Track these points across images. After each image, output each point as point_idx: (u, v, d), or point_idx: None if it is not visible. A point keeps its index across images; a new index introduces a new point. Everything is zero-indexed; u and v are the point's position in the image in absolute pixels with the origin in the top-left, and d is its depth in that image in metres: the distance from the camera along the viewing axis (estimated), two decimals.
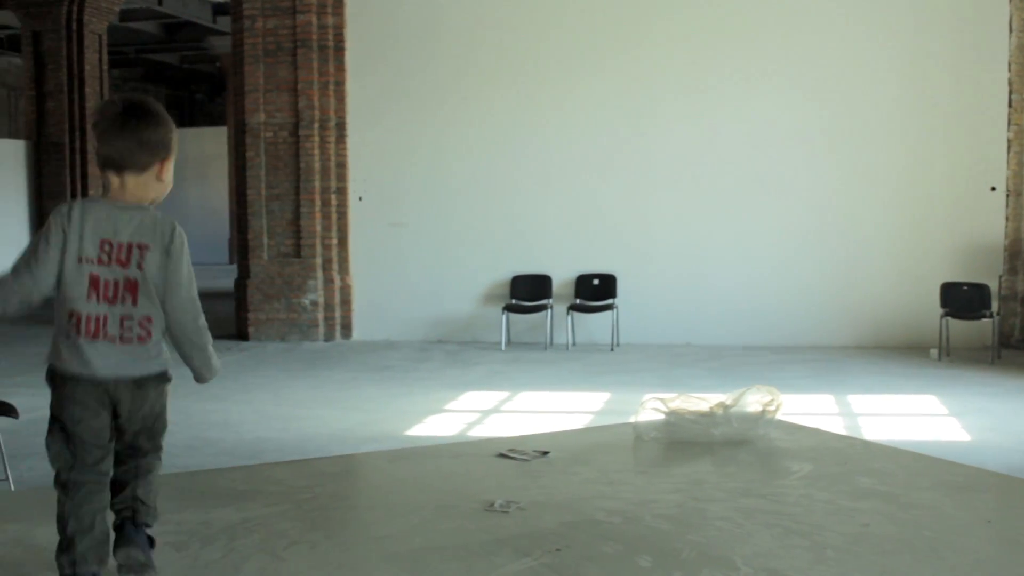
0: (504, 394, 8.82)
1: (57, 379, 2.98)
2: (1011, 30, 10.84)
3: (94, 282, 2.85)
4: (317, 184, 12.14)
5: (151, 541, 3.00)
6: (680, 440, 4.51)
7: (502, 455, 4.35)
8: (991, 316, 10.44)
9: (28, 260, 2.90)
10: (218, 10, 22.54)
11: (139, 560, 2.91)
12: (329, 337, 12.19)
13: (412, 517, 3.53)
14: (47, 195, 19.14)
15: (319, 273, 12.18)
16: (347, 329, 12.32)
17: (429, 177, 12.12)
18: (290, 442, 6.97)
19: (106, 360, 2.88)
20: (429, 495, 3.80)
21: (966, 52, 11.03)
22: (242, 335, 12.28)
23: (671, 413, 4.65)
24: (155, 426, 3.01)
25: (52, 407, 3.01)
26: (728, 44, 11.50)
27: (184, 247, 2.94)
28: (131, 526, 2.96)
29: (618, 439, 4.73)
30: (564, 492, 3.81)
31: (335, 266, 12.25)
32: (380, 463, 4.65)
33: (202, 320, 3.06)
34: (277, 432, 7.34)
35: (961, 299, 10.65)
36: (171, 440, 7.15)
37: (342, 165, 12.25)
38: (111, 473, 2.97)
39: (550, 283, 11.76)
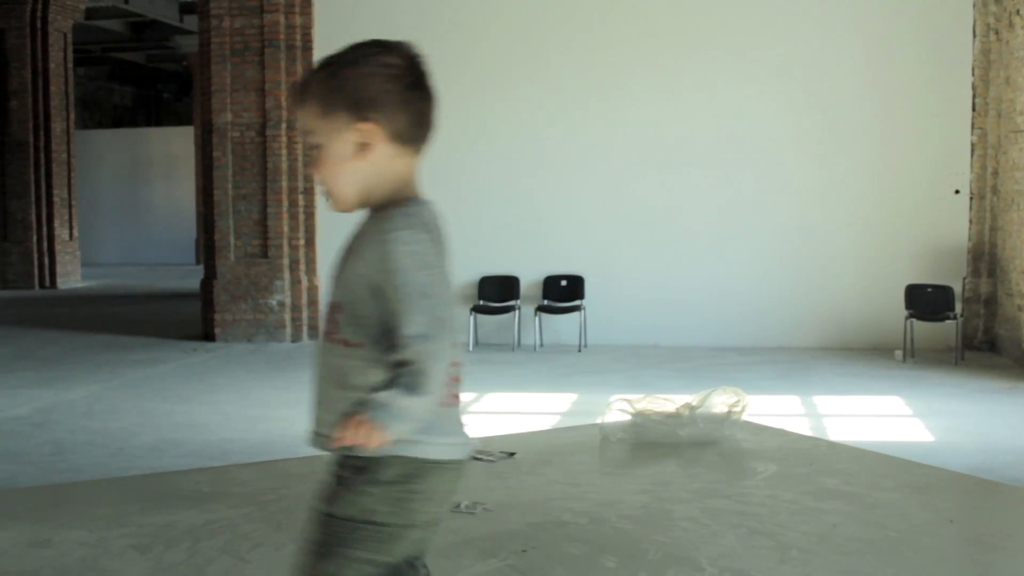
0: (471, 395, 8.80)
1: (417, 468, 2.02)
2: (975, 35, 10.94)
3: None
4: (284, 184, 12.08)
5: None
6: (646, 441, 4.53)
7: None
8: (955, 318, 10.53)
9: (440, 312, 2.02)
10: (185, 9, 22.41)
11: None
12: (296, 338, 12.13)
13: None
14: (11, 195, 18.94)
15: (286, 274, 12.12)
16: (314, 330, 12.26)
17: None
18: (256, 443, 6.93)
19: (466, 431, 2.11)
20: None
21: (930, 56, 11.12)
22: (208, 336, 12.20)
23: (638, 414, 4.66)
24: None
25: (393, 505, 2.03)
26: (696, 48, 11.54)
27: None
28: None
29: (585, 440, 4.74)
30: (530, 493, 3.81)
31: (302, 267, 12.20)
32: None
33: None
34: (243, 433, 7.29)
35: (925, 301, 10.74)
36: (135, 442, 7.10)
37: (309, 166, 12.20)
38: None
39: (518, 284, 11.76)
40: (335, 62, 2.10)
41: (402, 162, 2.12)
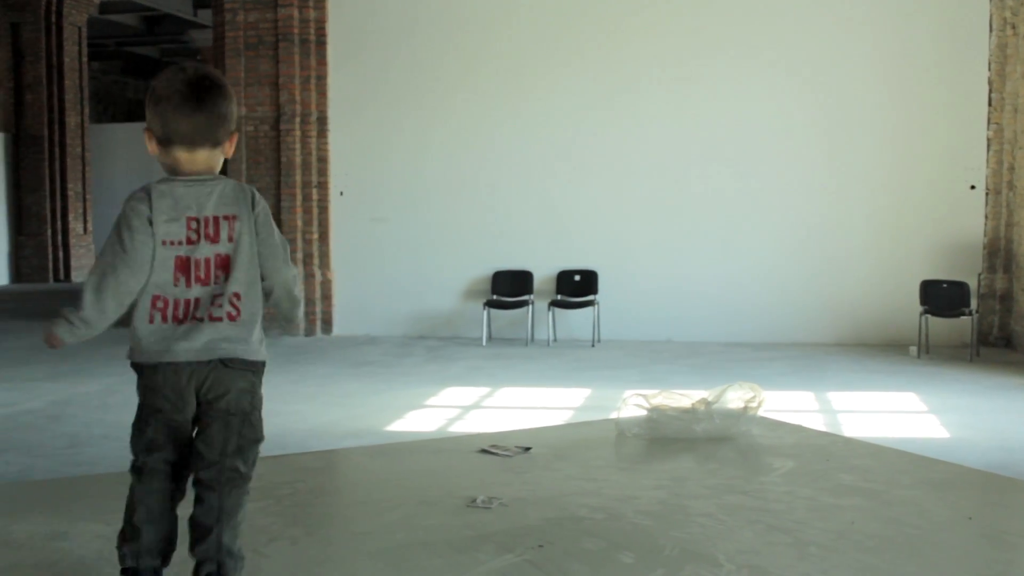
0: (485, 390, 8.80)
1: (140, 368, 2.78)
2: (991, 29, 10.88)
3: (181, 265, 2.68)
4: (298, 179, 12.09)
5: None
6: (662, 436, 4.52)
7: (484, 451, 4.34)
8: (970, 314, 10.49)
9: (115, 257, 2.67)
10: (199, 3, 22.42)
11: None
12: (310, 332, 12.14)
13: (394, 513, 3.51)
14: (25, 188, 19.01)
15: (300, 268, 12.12)
16: (328, 324, 12.28)
17: (411, 172, 12.09)
18: (270, 437, 6.89)
19: (191, 343, 2.68)
20: (411, 491, 3.78)
21: (947, 51, 11.07)
22: None
23: (653, 409, 4.65)
24: (244, 432, 2.77)
25: (139, 395, 2.82)
26: (710, 41, 11.51)
27: (268, 210, 2.81)
28: None
29: (600, 435, 4.73)
30: (546, 488, 3.80)
31: (316, 261, 12.20)
32: (361, 459, 4.63)
33: (298, 288, 2.95)
34: None
35: (941, 297, 10.69)
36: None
37: (323, 160, 12.21)
38: (184, 466, 2.80)
39: (531, 279, 11.75)
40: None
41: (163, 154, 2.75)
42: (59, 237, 19.21)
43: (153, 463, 2.76)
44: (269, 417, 7.51)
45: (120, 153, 27.54)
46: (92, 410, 7.89)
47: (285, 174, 12.06)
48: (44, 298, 16.50)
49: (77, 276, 19.39)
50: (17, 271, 19.07)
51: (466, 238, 12.00)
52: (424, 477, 3.97)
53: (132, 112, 31.31)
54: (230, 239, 2.71)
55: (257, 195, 2.79)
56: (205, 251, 2.69)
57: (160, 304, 2.69)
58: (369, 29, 12.14)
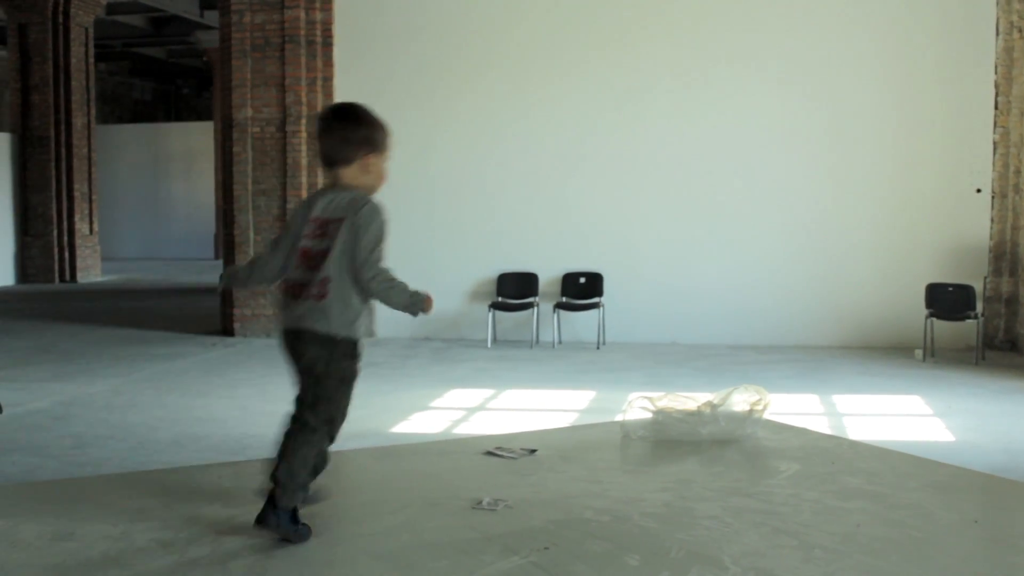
0: (490, 392, 8.80)
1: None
2: (998, 32, 10.88)
3: (302, 253, 3.41)
4: (304, 180, 12.10)
5: (295, 519, 3.26)
6: (667, 439, 4.52)
7: (489, 453, 4.34)
8: (975, 317, 10.47)
9: (271, 244, 3.61)
10: (206, 4, 22.46)
11: (276, 539, 3.22)
12: None
13: (399, 515, 3.52)
14: (32, 188, 19.04)
15: None
16: None
17: (416, 173, 12.09)
18: (275, 438, 6.94)
19: (289, 315, 3.42)
20: (416, 493, 3.79)
21: (953, 54, 11.07)
22: (228, 331, 12.24)
23: (658, 412, 4.65)
24: (316, 392, 3.38)
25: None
26: (715, 44, 11.51)
27: (374, 221, 3.38)
28: (271, 508, 3.23)
29: (606, 437, 4.73)
30: (552, 490, 3.80)
31: None
32: (366, 460, 4.64)
33: (382, 276, 3.42)
34: (262, 428, 7.30)
35: (946, 300, 10.68)
36: (155, 436, 7.12)
37: None
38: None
39: (536, 281, 11.75)
40: None
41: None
42: (65, 238, 19.24)
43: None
44: (274, 419, 7.50)
45: (126, 154, 27.62)
46: (98, 410, 7.90)
47: (291, 175, 12.07)
48: (50, 299, 16.53)
49: (83, 277, 19.42)
50: (23, 271, 19.11)
51: (471, 240, 12.01)
52: (429, 479, 3.97)
53: (138, 113, 31.37)
54: (332, 237, 3.35)
55: (366, 207, 3.39)
56: (317, 245, 3.37)
57: (283, 284, 3.49)
58: (375, 31, 12.15)
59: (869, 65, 11.22)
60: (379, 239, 3.40)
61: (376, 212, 3.40)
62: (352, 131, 3.43)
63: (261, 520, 3.23)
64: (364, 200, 3.40)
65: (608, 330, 11.45)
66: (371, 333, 3.39)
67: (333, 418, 3.39)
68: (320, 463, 3.40)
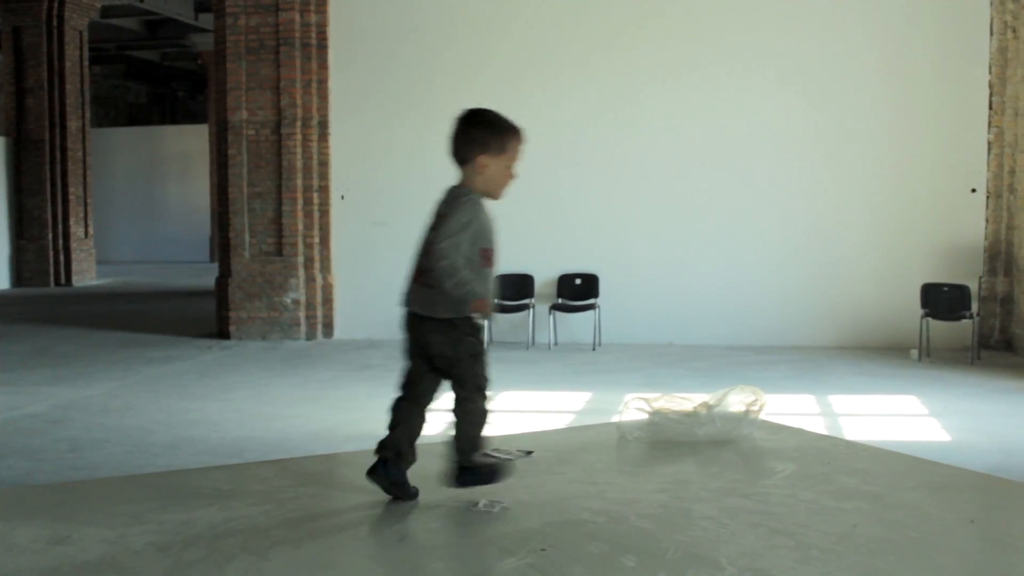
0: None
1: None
2: (992, 33, 10.90)
3: (423, 243, 3.69)
4: (299, 182, 12.10)
5: (487, 473, 3.66)
6: (664, 440, 4.52)
7: (486, 455, 4.33)
8: (971, 317, 10.49)
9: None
10: (200, 7, 22.46)
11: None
12: (311, 336, 12.15)
13: (396, 517, 3.52)
14: (27, 192, 19.03)
15: (301, 272, 12.14)
16: (329, 328, 12.29)
17: (411, 175, 12.09)
18: (272, 441, 6.94)
19: (413, 300, 3.71)
20: None
21: (947, 54, 11.08)
22: (223, 334, 12.23)
23: (655, 413, 4.65)
24: (457, 372, 3.66)
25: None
26: (710, 45, 11.52)
27: (462, 211, 3.60)
28: (461, 471, 3.65)
29: (602, 439, 4.73)
30: (549, 492, 3.80)
31: (317, 265, 12.21)
32: (363, 462, 4.63)
33: (452, 259, 3.53)
34: (259, 431, 7.31)
35: (941, 300, 10.70)
36: (151, 439, 7.11)
37: (324, 163, 12.21)
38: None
39: (532, 283, 11.76)
40: None
41: None
42: (60, 241, 19.22)
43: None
44: (270, 421, 7.47)
45: (121, 157, 27.60)
46: (94, 414, 7.90)
47: (286, 178, 12.07)
48: (45, 302, 16.52)
49: (78, 280, 19.40)
50: (18, 275, 19.09)
51: None
52: (426, 481, 3.97)
53: (133, 116, 31.35)
54: (437, 228, 3.61)
55: (462, 199, 3.65)
56: (429, 235, 3.65)
57: (412, 271, 3.75)
58: (370, 33, 12.15)
59: (864, 66, 11.23)
60: (462, 228, 3.57)
61: (470, 205, 3.63)
62: (468, 132, 3.71)
63: (458, 483, 3.65)
64: (465, 194, 3.66)
65: (604, 331, 11.45)
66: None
67: (479, 386, 3.68)
68: (486, 417, 3.75)
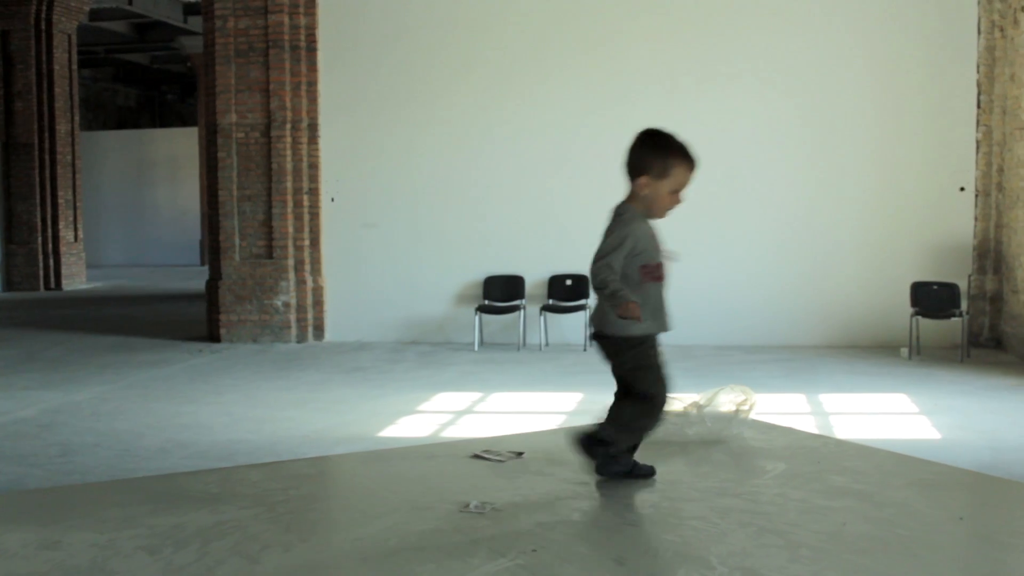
0: (477, 395, 8.81)
1: None
2: (979, 32, 10.93)
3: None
4: (289, 185, 12.09)
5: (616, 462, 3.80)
6: (654, 440, 4.52)
7: (476, 456, 4.33)
8: (960, 315, 10.52)
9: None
10: (189, 10, 22.43)
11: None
12: (301, 339, 12.14)
13: (386, 519, 3.51)
14: (16, 196, 18.98)
15: (291, 274, 12.13)
16: (319, 330, 12.28)
17: (401, 178, 12.10)
18: (262, 444, 6.94)
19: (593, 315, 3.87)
20: (403, 497, 3.78)
21: (935, 53, 11.12)
22: (214, 337, 12.22)
23: None
24: (630, 382, 3.84)
25: None
26: (698, 45, 11.54)
27: (617, 230, 3.73)
28: (597, 447, 3.83)
29: None
30: (539, 493, 3.80)
31: (307, 267, 12.21)
32: (354, 465, 4.63)
33: (602, 276, 3.64)
34: (249, 434, 7.30)
35: (931, 298, 10.73)
36: (142, 443, 7.11)
37: (314, 166, 12.21)
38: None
39: (523, 284, 11.76)
40: None
41: None
42: (49, 245, 19.18)
43: None
44: (261, 424, 7.46)
45: (111, 160, 27.55)
46: (84, 418, 7.88)
47: (276, 181, 12.06)
48: (35, 307, 16.48)
49: (68, 284, 19.35)
50: (8, 279, 19.04)
51: (457, 243, 12.01)
52: (416, 483, 3.97)
53: (123, 119, 31.29)
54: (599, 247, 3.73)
55: (620, 217, 3.78)
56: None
57: None
58: (359, 35, 12.15)
59: (852, 65, 11.26)
60: (612, 248, 3.69)
61: (623, 224, 3.74)
62: (636, 151, 3.81)
63: (595, 467, 3.83)
64: (624, 211, 3.78)
65: None
66: (662, 327, 3.50)
67: (651, 394, 3.80)
68: (647, 424, 3.85)
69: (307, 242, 12.19)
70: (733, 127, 11.45)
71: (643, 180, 3.77)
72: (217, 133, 12.17)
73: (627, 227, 3.75)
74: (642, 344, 3.81)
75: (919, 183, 11.22)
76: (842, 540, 3.21)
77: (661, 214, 3.85)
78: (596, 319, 3.83)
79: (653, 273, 3.78)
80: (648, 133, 3.87)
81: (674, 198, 3.82)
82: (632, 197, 3.81)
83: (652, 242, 3.81)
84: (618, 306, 3.64)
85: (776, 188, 11.44)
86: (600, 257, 3.69)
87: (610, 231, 3.76)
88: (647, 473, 3.85)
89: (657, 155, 3.79)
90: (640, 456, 3.96)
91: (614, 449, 3.80)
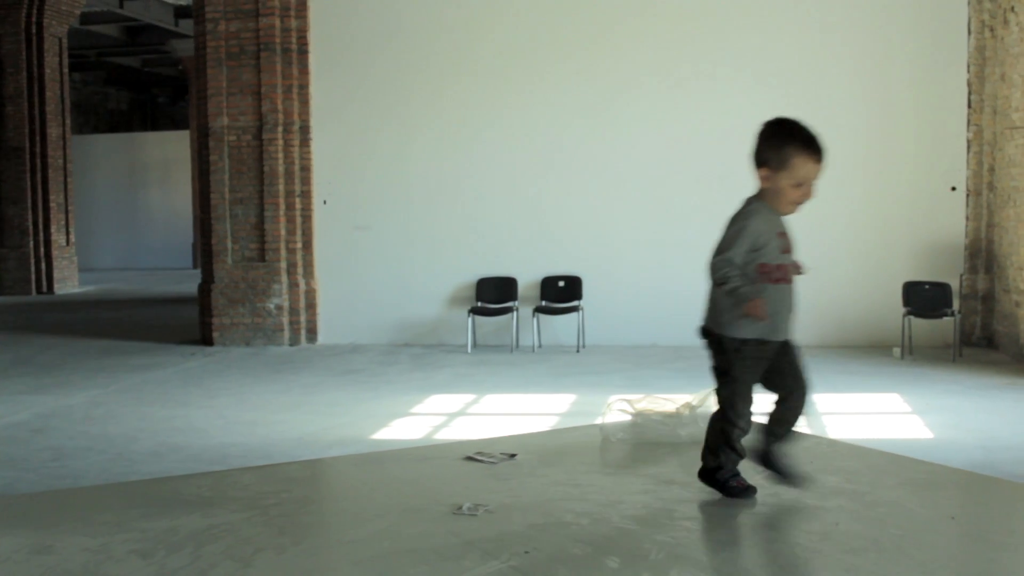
0: (470, 397, 8.81)
1: None
2: (970, 32, 10.96)
3: None
4: (281, 188, 12.08)
5: (723, 487, 3.65)
6: (647, 441, 4.53)
7: (469, 458, 4.34)
8: (952, 315, 10.54)
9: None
10: (180, 13, 22.41)
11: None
12: (294, 341, 12.13)
13: (379, 521, 3.51)
14: (7, 200, 18.94)
15: (284, 277, 12.12)
16: (312, 333, 12.27)
17: (394, 180, 12.10)
18: (256, 447, 6.93)
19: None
20: (396, 499, 3.79)
21: (925, 53, 11.14)
22: (207, 340, 12.20)
23: (638, 414, 4.66)
24: (715, 378, 3.70)
25: None
26: (689, 46, 11.55)
27: (737, 220, 3.63)
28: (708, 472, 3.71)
29: (585, 440, 4.74)
30: (532, 494, 3.81)
31: (300, 270, 12.20)
32: (346, 467, 4.64)
33: (723, 272, 3.58)
34: (242, 437, 7.29)
35: (923, 298, 10.75)
36: (135, 447, 7.09)
37: (306, 168, 12.20)
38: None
39: (516, 285, 11.76)
40: None
41: None
42: (41, 249, 19.14)
43: None
44: (254, 427, 7.46)
45: (102, 164, 27.49)
46: (76, 423, 7.87)
47: (268, 183, 12.05)
48: (27, 311, 16.44)
49: (60, 288, 19.32)
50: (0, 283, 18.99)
51: (450, 245, 12.01)
52: (410, 485, 3.97)
53: (114, 123, 31.24)
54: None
55: (743, 209, 3.67)
56: None
57: None
58: (351, 38, 12.15)
59: (843, 65, 11.28)
60: (729, 243, 3.58)
61: (742, 215, 3.63)
62: (759, 141, 3.70)
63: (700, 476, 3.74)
64: (748, 203, 3.68)
65: (588, 333, 11.47)
66: (774, 333, 3.24)
67: (726, 405, 3.65)
68: (729, 439, 3.65)
69: (299, 245, 12.18)
70: (724, 128, 11.45)
71: (763, 172, 3.67)
72: (209, 136, 12.16)
73: (745, 220, 3.62)
74: (743, 347, 3.63)
75: (910, 183, 11.24)
76: (834, 539, 3.22)
77: (786, 208, 3.72)
78: (709, 314, 3.75)
79: (772, 275, 3.63)
80: (770, 123, 3.72)
81: (798, 192, 3.65)
82: (760, 190, 3.71)
83: (774, 239, 3.67)
84: (739, 301, 3.53)
85: None
86: (720, 251, 3.59)
87: (731, 223, 3.64)
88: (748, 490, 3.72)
89: (775, 146, 3.65)
90: (635, 457, 3.97)
91: (725, 472, 3.67)
